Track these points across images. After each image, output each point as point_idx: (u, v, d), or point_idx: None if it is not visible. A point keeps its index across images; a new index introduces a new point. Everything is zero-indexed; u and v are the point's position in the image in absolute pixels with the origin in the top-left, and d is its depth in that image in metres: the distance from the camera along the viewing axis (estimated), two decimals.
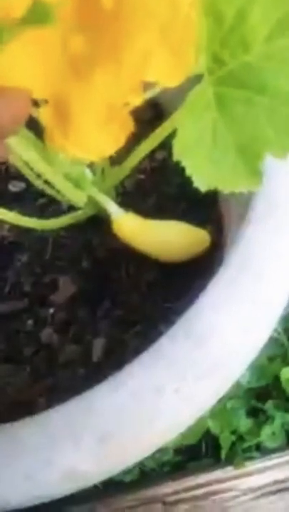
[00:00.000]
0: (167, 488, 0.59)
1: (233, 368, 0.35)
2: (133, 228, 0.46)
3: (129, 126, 0.27)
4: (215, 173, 0.32)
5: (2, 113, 0.24)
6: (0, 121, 0.25)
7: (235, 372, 0.36)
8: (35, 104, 0.27)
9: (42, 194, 0.51)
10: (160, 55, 0.26)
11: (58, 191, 0.45)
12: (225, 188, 0.32)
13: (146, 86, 0.27)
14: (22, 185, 0.55)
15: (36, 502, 0.34)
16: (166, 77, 0.27)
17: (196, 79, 0.33)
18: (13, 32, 0.22)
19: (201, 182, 0.32)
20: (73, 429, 0.33)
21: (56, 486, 0.33)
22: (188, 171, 0.32)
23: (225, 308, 0.37)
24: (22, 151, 0.38)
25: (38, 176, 0.45)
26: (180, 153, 0.31)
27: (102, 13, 0.25)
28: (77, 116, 0.26)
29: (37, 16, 0.21)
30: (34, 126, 0.31)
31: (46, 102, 0.27)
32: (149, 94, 0.32)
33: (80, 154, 0.27)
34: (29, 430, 0.34)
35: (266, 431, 0.60)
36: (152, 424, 0.33)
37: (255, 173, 0.31)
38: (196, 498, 0.59)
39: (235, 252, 0.38)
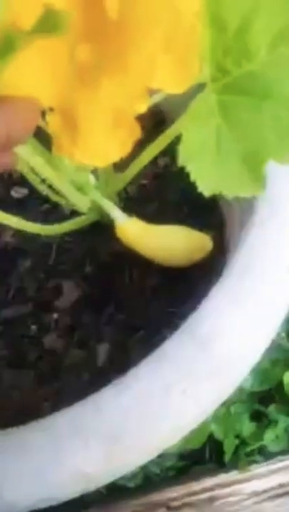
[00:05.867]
0: (171, 492, 0.59)
1: (237, 371, 0.36)
2: (136, 233, 0.46)
3: (136, 133, 0.27)
4: (219, 178, 0.32)
5: (12, 122, 0.25)
6: (9, 130, 0.25)
7: (239, 374, 0.36)
8: (42, 112, 0.27)
9: (45, 200, 0.51)
10: (165, 63, 0.27)
11: (62, 196, 0.45)
12: (229, 192, 0.32)
13: (149, 93, 0.28)
14: (25, 191, 0.55)
15: (43, 505, 0.34)
16: (171, 84, 0.27)
17: (198, 87, 0.33)
18: (24, 41, 0.22)
19: (206, 187, 0.32)
20: (80, 431, 0.33)
21: (64, 487, 0.33)
22: (193, 176, 0.32)
23: (228, 311, 0.37)
24: (28, 157, 0.38)
25: (42, 181, 0.45)
26: (185, 158, 0.32)
27: (107, 23, 0.26)
28: (84, 123, 0.26)
29: (49, 25, 0.21)
30: (39, 132, 0.31)
31: (52, 110, 0.27)
32: (152, 102, 0.32)
33: (87, 161, 0.27)
34: (37, 434, 0.34)
35: (269, 435, 0.61)
36: (159, 426, 0.33)
37: (259, 179, 0.32)
38: (200, 502, 0.59)
39: (238, 255, 0.38)
